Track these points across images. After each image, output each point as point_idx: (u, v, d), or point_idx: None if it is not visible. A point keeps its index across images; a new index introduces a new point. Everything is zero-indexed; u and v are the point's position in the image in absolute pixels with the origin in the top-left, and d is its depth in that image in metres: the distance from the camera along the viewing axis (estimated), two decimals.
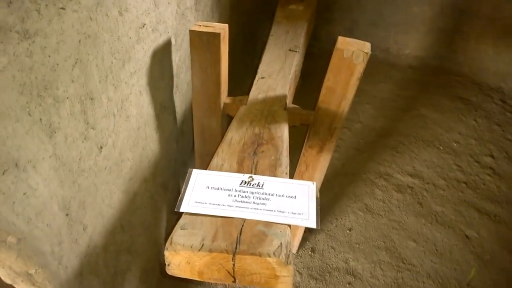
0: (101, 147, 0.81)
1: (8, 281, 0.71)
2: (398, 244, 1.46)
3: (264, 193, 0.77)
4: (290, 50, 1.36)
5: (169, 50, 1.07)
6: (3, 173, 0.55)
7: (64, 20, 0.63)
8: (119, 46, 0.81)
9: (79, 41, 0.67)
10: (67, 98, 0.67)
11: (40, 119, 0.61)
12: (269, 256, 0.64)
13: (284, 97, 1.09)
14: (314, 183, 0.80)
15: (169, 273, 0.71)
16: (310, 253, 1.42)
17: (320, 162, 1.14)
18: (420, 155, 1.81)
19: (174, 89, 1.16)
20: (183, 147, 1.35)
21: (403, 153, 1.82)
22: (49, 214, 0.67)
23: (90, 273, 0.84)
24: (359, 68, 0.95)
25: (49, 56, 0.60)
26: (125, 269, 1.03)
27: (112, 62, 0.80)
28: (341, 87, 0.99)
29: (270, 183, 0.79)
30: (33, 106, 0.59)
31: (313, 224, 0.72)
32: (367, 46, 0.96)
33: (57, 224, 0.70)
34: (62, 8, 0.62)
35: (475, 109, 2.08)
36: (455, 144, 1.87)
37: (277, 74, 1.20)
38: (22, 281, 0.69)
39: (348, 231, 1.50)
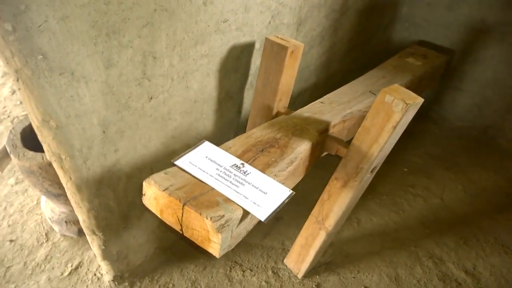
0: (151, 98, 1.01)
1: (47, 157, 0.96)
2: None
3: (244, 180, 0.87)
4: (370, 91, 1.39)
5: (250, 50, 1.24)
6: (60, 74, 0.79)
7: None
8: (194, 28, 1.01)
9: (155, 10, 0.89)
10: (131, 47, 0.89)
11: (102, 52, 0.84)
12: (206, 218, 0.74)
13: (327, 123, 1.15)
14: (291, 191, 0.86)
15: (144, 203, 0.86)
16: (313, 286, 1.41)
17: (341, 197, 1.15)
18: (490, 258, 1.59)
19: (247, 85, 1.33)
20: None
21: (472, 247, 1.62)
22: (86, 122, 0.90)
23: (108, 186, 1.06)
24: (396, 116, 0.96)
25: (123, 10, 0.83)
26: (142, 206, 1.22)
27: (184, 38, 1.00)
28: (376, 129, 1.01)
29: (255, 175, 0.88)
30: (100, 40, 0.82)
31: (261, 217, 0.79)
32: (413, 99, 0.96)
33: (91, 133, 0.92)
34: None
35: None
36: None
37: (337, 104, 1.26)
38: (55, 161, 0.93)
39: None
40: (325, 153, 1.20)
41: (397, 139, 1.07)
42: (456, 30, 2.14)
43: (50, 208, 1.49)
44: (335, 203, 1.18)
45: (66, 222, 1.45)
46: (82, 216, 1.07)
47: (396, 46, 2.20)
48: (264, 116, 1.24)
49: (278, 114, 1.24)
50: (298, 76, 1.43)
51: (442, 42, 2.12)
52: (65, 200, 1.22)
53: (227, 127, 1.36)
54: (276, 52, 1.13)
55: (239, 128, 1.43)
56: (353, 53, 1.99)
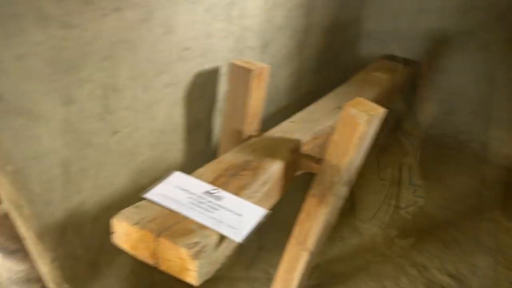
0: (115, 132, 0.99)
1: (6, 205, 0.92)
2: None
3: (217, 205, 0.85)
4: (339, 107, 1.41)
5: (215, 76, 1.25)
6: (16, 115, 0.76)
7: (105, 23, 0.85)
8: (156, 58, 1.01)
9: (115, 42, 0.88)
10: (91, 81, 0.87)
11: (60, 89, 0.82)
12: (181, 247, 0.72)
13: (298, 142, 1.15)
14: (267, 211, 0.85)
15: (114, 242, 0.83)
16: None
17: (319, 213, 1.14)
18: (471, 260, 1.59)
19: (216, 112, 1.32)
20: None
21: (453, 250, 1.63)
22: (46, 163, 0.86)
23: (73, 231, 1.01)
24: (362, 128, 0.97)
25: (82, 45, 0.82)
26: (112, 250, 1.17)
27: (146, 68, 0.99)
28: (344, 142, 1.01)
29: (229, 199, 0.86)
30: (57, 77, 0.80)
31: (238, 239, 0.77)
32: (376, 110, 0.98)
33: (52, 175, 0.89)
34: (105, 15, 0.84)
35: None
36: None
37: (308, 122, 1.27)
38: (13, 209, 0.89)
39: None
40: (300, 172, 1.20)
41: (366, 150, 1.08)
42: (420, 42, 2.23)
43: (7, 268, 1.37)
44: (313, 221, 1.16)
45: (26, 281, 1.34)
46: (45, 268, 1.01)
47: (364, 61, 2.26)
48: (235, 141, 1.23)
49: (249, 137, 1.23)
50: (268, 98, 1.44)
51: (408, 54, 2.19)
52: (24, 256, 1.14)
53: (198, 156, 1.34)
54: (241, 75, 1.14)
55: (211, 156, 1.41)
56: (323, 71, 2.03)
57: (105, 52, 0.88)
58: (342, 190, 1.11)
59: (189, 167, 1.31)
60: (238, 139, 1.24)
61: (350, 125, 0.99)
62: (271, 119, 1.71)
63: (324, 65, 2.00)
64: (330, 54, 2.03)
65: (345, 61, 2.26)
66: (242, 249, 0.86)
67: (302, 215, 1.19)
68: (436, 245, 1.66)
